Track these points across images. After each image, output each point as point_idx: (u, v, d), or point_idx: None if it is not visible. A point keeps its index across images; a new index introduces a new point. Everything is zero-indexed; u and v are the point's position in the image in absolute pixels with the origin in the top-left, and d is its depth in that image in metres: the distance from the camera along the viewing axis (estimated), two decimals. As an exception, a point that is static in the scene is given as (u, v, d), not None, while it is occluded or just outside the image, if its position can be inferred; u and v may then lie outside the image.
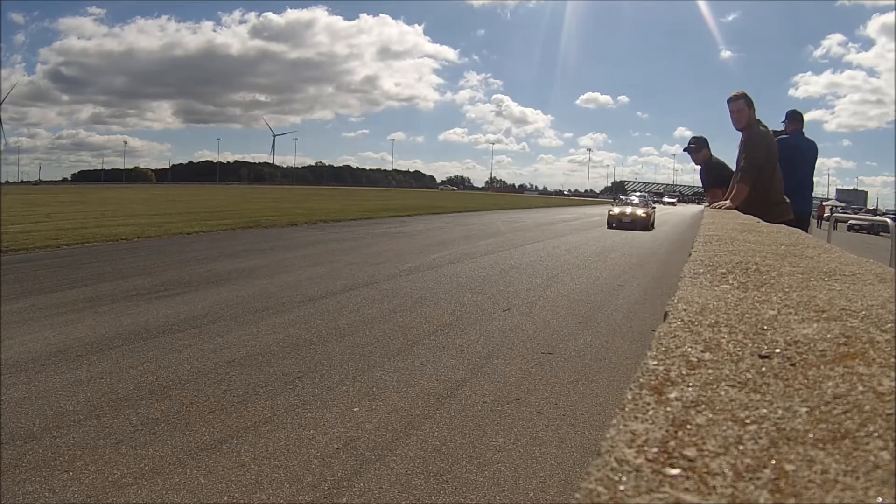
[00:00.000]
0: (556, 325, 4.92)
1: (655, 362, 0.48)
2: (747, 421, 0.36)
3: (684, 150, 4.89)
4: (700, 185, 5.24)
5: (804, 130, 5.00)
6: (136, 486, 2.22)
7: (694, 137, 4.91)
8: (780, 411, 0.38)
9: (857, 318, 0.63)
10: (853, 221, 25.47)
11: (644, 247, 11.89)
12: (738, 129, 3.88)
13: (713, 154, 4.87)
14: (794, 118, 4.98)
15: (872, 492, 0.28)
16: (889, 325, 0.60)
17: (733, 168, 4.10)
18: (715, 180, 4.59)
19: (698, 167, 4.88)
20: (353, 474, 2.35)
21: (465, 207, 30.73)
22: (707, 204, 5.22)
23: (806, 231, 4.99)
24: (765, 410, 0.38)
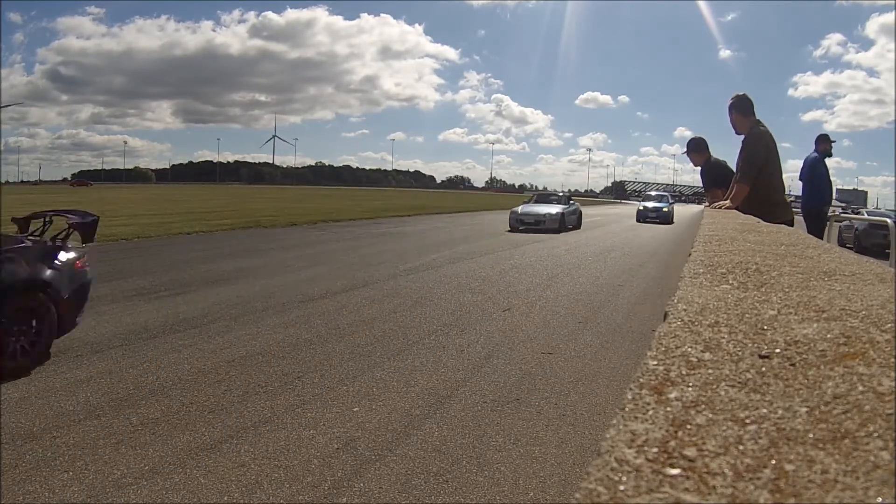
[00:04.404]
0: (556, 325, 4.92)
1: (655, 362, 0.48)
2: (747, 421, 0.36)
3: (684, 152, 4.89)
4: (694, 185, 5.30)
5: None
6: (136, 486, 2.22)
7: (692, 139, 4.91)
8: (780, 411, 0.38)
9: (857, 318, 0.63)
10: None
11: (644, 247, 11.89)
12: (737, 134, 3.89)
13: (713, 154, 4.87)
14: (823, 140, 6.33)
15: (872, 492, 0.28)
16: (889, 325, 0.60)
17: (734, 168, 4.11)
18: (716, 180, 4.59)
19: (698, 168, 4.88)
20: (353, 474, 2.35)
21: (465, 208, 30.72)
22: (707, 204, 5.23)
23: (823, 226, 6.34)
24: (765, 410, 0.38)
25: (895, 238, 5.43)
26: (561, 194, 18.81)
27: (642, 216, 21.89)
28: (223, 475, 2.32)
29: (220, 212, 19.85)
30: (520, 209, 16.13)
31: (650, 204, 22.92)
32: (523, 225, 15.34)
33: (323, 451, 2.53)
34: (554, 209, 16.00)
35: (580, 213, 17.73)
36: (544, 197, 18.32)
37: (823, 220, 6.58)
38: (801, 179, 6.48)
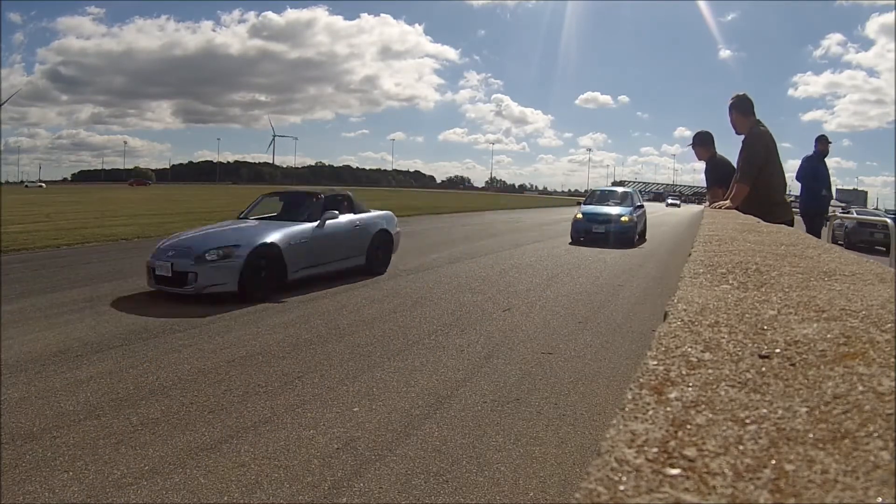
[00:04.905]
0: (556, 325, 4.92)
1: (655, 362, 0.48)
2: (747, 421, 0.36)
3: (689, 144, 4.87)
4: (694, 185, 5.29)
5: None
6: (136, 486, 2.22)
7: (699, 132, 4.88)
8: (780, 411, 0.38)
9: (857, 318, 0.63)
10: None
11: (644, 247, 11.88)
12: (737, 134, 3.89)
13: (717, 152, 4.85)
14: (821, 140, 6.54)
15: (872, 492, 0.28)
16: (889, 325, 0.60)
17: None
18: (718, 179, 4.58)
19: (702, 162, 4.86)
20: (353, 474, 2.35)
21: (466, 207, 30.70)
22: (707, 203, 5.22)
23: (821, 226, 6.63)
24: (765, 410, 0.38)
25: (895, 238, 5.42)
26: (340, 197, 7.40)
27: (582, 231, 11.86)
28: (223, 475, 2.32)
29: (221, 212, 19.83)
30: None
31: (598, 209, 12.25)
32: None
33: (323, 451, 2.53)
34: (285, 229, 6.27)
35: (393, 224, 8.15)
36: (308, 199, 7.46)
37: (822, 219, 6.79)
38: (797, 179, 6.59)
